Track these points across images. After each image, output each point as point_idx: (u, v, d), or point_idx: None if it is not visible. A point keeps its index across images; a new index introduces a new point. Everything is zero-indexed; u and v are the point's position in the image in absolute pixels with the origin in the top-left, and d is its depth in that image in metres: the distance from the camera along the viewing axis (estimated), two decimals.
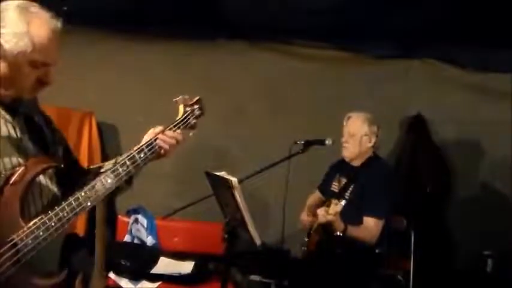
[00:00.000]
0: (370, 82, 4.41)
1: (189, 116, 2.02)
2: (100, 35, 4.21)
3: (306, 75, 4.47)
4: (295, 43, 4.48)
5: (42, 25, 1.67)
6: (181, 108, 2.02)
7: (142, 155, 1.83)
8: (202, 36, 4.32)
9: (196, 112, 2.04)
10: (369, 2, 3.56)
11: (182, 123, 1.99)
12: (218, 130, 4.32)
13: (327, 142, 3.48)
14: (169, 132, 1.91)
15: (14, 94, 1.70)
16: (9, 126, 1.70)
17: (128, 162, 1.79)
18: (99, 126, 4.31)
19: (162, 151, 1.90)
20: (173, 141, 1.91)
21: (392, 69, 4.45)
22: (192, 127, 2.04)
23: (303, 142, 3.56)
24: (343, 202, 3.06)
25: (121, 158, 1.81)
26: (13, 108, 1.73)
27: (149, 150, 1.85)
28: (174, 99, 2.02)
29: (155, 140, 1.88)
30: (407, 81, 4.45)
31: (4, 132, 1.68)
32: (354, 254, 3.27)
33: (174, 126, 1.96)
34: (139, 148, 1.84)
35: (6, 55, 1.64)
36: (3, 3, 1.68)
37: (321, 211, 3.11)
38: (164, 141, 1.89)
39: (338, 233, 3.14)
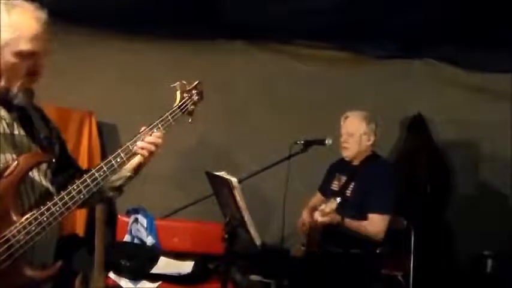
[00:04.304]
0: (370, 82, 4.41)
1: (186, 102, 1.98)
2: (100, 35, 4.21)
3: (306, 75, 4.46)
4: (295, 43, 4.48)
5: (26, 15, 1.67)
6: (178, 94, 1.99)
7: (118, 159, 1.79)
8: (202, 36, 4.31)
9: (195, 97, 2.01)
10: (369, 2, 3.55)
11: (179, 109, 1.96)
12: (218, 130, 4.33)
13: (326, 142, 3.47)
14: (147, 138, 1.85)
15: (5, 86, 1.69)
16: (4, 122, 1.70)
17: (104, 167, 1.76)
18: (99, 126, 4.31)
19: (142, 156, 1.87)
20: (151, 147, 1.86)
21: (392, 69, 4.45)
22: (190, 113, 2.01)
23: (303, 142, 3.56)
24: (338, 199, 3.05)
25: (101, 162, 1.77)
26: (7, 102, 1.72)
27: (126, 154, 1.81)
28: (172, 85, 1.98)
29: (132, 145, 1.83)
30: (408, 81, 4.45)
31: None
32: (353, 254, 3.27)
33: (171, 113, 1.92)
34: (115, 154, 1.80)
35: None
36: None
37: (317, 214, 3.10)
38: (142, 148, 1.84)
39: (335, 222, 3.13)
